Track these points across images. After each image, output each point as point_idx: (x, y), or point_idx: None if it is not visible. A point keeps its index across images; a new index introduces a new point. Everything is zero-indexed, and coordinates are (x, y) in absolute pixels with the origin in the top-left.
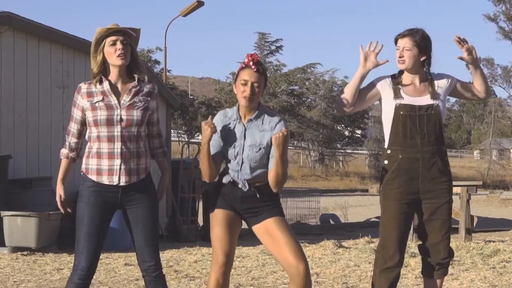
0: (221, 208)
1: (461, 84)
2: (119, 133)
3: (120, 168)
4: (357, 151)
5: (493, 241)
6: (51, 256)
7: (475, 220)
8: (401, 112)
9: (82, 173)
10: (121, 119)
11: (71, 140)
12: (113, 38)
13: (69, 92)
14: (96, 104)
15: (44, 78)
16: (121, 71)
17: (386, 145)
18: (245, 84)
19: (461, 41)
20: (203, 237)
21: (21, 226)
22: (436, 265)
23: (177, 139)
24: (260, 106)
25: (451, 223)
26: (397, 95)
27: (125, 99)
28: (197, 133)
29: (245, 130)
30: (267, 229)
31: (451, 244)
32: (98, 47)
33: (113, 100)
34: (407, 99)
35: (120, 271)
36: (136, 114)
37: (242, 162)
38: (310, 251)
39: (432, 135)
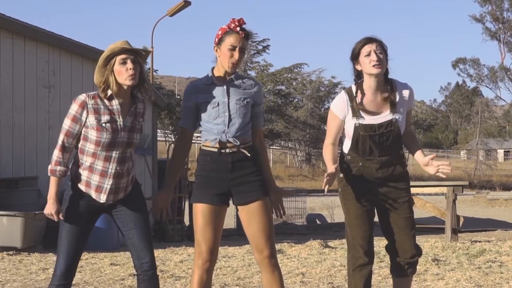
0: (203, 203)
1: (408, 116)
2: (117, 155)
3: (109, 188)
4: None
5: (479, 241)
6: (36, 256)
7: (461, 220)
8: (361, 133)
9: (69, 180)
10: (123, 142)
11: (66, 156)
12: (123, 56)
13: (55, 91)
14: (103, 125)
15: (30, 77)
16: (127, 90)
17: (345, 151)
18: (233, 50)
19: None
20: (189, 237)
21: (7, 225)
22: (405, 264)
23: (164, 139)
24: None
25: (414, 221)
26: (355, 114)
27: (127, 120)
28: None
29: (228, 88)
30: (250, 210)
31: (437, 244)
32: (107, 62)
33: (119, 121)
34: (367, 119)
35: (105, 271)
36: (135, 137)
37: (230, 119)
38: (296, 251)
39: (391, 148)
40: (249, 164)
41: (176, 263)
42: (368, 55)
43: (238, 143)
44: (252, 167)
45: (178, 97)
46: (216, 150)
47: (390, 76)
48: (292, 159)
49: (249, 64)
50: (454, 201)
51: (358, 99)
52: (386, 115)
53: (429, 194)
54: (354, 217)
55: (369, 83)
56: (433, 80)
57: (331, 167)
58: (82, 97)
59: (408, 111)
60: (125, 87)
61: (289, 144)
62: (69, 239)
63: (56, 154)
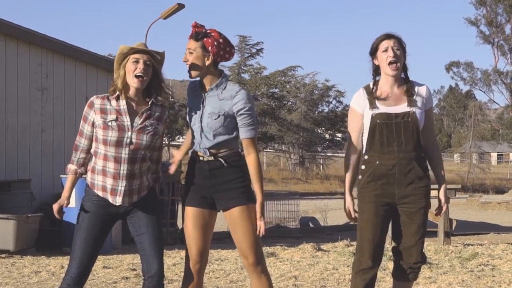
0: (192, 206)
1: (429, 116)
2: (127, 155)
3: (124, 190)
4: (337, 154)
5: (472, 245)
6: (29, 258)
7: (454, 223)
8: (378, 121)
9: (86, 186)
10: (131, 142)
11: (80, 155)
12: (136, 56)
13: (48, 94)
14: (109, 123)
15: (23, 80)
16: (139, 91)
17: (363, 152)
18: (189, 53)
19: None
20: (182, 240)
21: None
22: (407, 269)
23: None
24: (223, 76)
25: (426, 229)
26: (372, 105)
27: (137, 121)
28: (178, 136)
29: (205, 99)
30: (232, 217)
31: (429, 247)
32: (121, 62)
33: (126, 120)
34: (383, 108)
35: (98, 274)
36: (146, 139)
37: (202, 131)
38: (289, 254)
39: (410, 142)
40: (230, 171)
41: (169, 266)
42: (386, 50)
43: (208, 154)
44: (233, 174)
45: (172, 100)
46: (196, 156)
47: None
48: (286, 162)
49: (242, 67)
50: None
51: (376, 93)
52: (403, 107)
53: None
54: (366, 220)
55: (386, 78)
56: (426, 83)
57: (348, 200)
58: (91, 98)
59: (427, 110)
60: (132, 88)
61: (283, 147)
62: (80, 246)
63: (72, 154)
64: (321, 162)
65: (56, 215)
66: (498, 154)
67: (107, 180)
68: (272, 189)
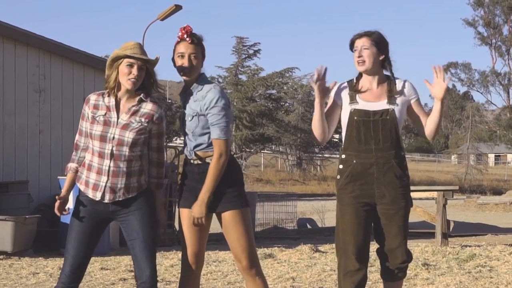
0: (187, 208)
1: (417, 107)
2: (109, 151)
3: (105, 186)
4: (334, 156)
5: (469, 246)
6: (27, 260)
7: (452, 224)
8: (355, 117)
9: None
10: (114, 138)
11: (81, 154)
12: (131, 60)
13: (45, 95)
14: (97, 118)
15: (20, 81)
16: (130, 90)
17: (341, 150)
18: (182, 57)
19: (438, 72)
20: (179, 241)
21: None
22: (395, 269)
23: None
24: (200, 78)
25: (407, 229)
26: (352, 100)
27: (123, 117)
28: (175, 137)
29: (185, 102)
30: (225, 221)
31: (427, 248)
32: (114, 63)
33: (113, 116)
34: (362, 104)
35: (96, 275)
36: (128, 135)
37: (186, 134)
38: (287, 255)
39: (388, 141)
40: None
41: (167, 268)
42: (356, 50)
43: (193, 156)
44: (223, 177)
45: (169, 101)
46: (187, 159)
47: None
48: (283, 163)
49: (240, 69)
50: (444, 205)
51: (357, 87)
52: (382, 104)
53: (420, 199)
54: (348, 223)
55: (364, 75)
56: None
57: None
58: (89, 96)
59: (414, 103)
60: (123, 87)
61: (280, 148)
62: (72, 244)
63: (73, 153)
64: (319, 163)
65: (56, 212)
66: (495, 155)
67: (90, 174)
68: (269, 190)
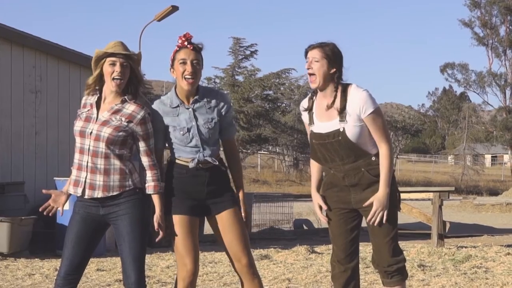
0: (182, 214)
1: (370, 122)
2: (88, 147)
3: (85, 181)
4: None
5: (465, 247)
6: (23, 261)
7: (448, 225)
8: (313, 141)
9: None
10: (91, 133)
11: (76, 156)
12: (113, 58)
13: (41, 97)
14: (81, 115)
15: (16, 82)
16: (116, 91)
17: None
18: (184, 63)
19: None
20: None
21: None
22: (384, 273)
23: None
24: (198, 86)
25: (393, 231)
26: (310, 121)
27: (104, 115)
28: None
29: (194, 111)
30: (222, 221)
31: (423, 249)
32: (98, 63)
33: (95, 114)
34: (317, 126)
35: (92, 277)
36: (105, 131)
37: (203, 141)
38: (283, 256)
39: (351, 155)
40: (221, 176)
41: (163, 269)
42: (307, 62)
43: (217, 162)
44: (224, 178)
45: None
46: (193, 165)
47: (349, 82)
48: (280, 164)
49: (236, 69)
50: (440, 206)
51: (312, 106)
52: (334, 124)
53: (416, 200)
54: (334, 226)
55: (319, 91)
56: (421, 85)
57: (316, 199)
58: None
59: (367, 118)
60: (111, 88)
61: (277, 149)
62: (68, 247)
63: (75, 156)
64: None
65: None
66: (492, 156)
67: (74, 171)
68: (266, 191)
